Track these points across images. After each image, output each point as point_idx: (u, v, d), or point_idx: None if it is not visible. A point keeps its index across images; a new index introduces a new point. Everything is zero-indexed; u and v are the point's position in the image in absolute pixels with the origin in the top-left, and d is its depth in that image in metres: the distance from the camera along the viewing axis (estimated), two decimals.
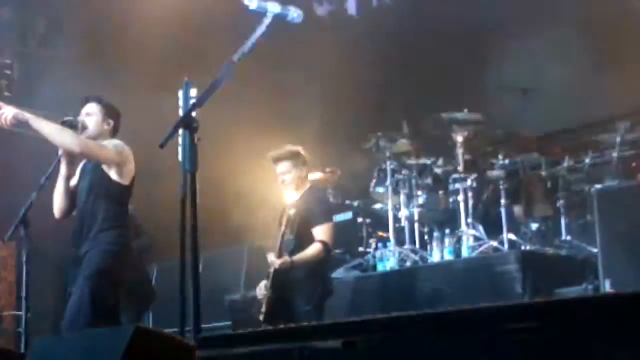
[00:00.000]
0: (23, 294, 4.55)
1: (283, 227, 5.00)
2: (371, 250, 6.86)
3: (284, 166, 5.22)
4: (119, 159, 4.55)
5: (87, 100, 4.77)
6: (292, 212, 5.01)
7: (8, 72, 8.66)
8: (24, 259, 4.55)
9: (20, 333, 4.82)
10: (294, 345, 2.62)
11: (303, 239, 5.06)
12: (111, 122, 4.74)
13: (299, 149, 5.27)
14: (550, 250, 5.81)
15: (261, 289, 5.15)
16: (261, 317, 5.09)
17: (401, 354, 2.61)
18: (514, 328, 2.35)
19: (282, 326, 2.73)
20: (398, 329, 2.60)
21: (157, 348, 2.71)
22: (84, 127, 4.63)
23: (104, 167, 4.58)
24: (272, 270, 5.03)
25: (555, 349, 2.31)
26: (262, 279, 5.20)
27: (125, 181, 4.61)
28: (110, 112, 4.77)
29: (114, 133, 4.76)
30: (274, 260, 5.00)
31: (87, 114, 4.70)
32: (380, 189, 6.78)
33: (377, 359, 2.64)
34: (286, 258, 4.98)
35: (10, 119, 4.40)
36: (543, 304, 2.32)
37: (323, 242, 5.10)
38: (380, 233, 7.00)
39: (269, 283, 5.04)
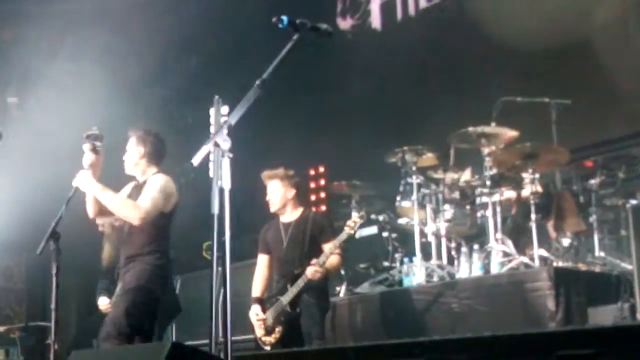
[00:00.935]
0: (52, 306, 4.54)
1: (285, 243, 5.32)
2: (397, 265, 6.78)
3: (272, 185, 5.48)
4: (166, 201, 4.78)
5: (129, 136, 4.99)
6: (300, 228, 5.29)
7: None
8: (53, 271, 4.55)
9: (49, 344, 4.81)
10: None
11: (312, 254, 5.23)
12: (142, 148, 4.89)
13: (291, 173, 5.51)
14: (583, 267, 5.70)
15: (258, 315, 5.36)
16: (271, 339, 5.25)
17: None
18: (566, 354, 2.28)
19: (318, 347, 2.67)
20: (441, 352, 2.53)
21: None
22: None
23: None
24: (300, 284, 5.15)
25: None
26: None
27: (167, 209, 4.83)
28: (143, 138, 4.92)
29: (153, 157, 4.91)
30: (311, 270, 5.11)
31: (127, 149, 4.96)
32: (406, 203, 6.70)
33: None
34: (317, 266, 5.11)
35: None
36: (598, 330, 2.24)
37: (340, 255, 5.33)
38: None
39: (292, 298, 5.16)
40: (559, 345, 2.24)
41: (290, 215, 5.50)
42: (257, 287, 5.57)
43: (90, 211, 4.90)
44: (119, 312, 4.59)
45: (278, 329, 5.23)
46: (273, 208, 5.49)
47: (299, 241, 5.31)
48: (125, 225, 4.85)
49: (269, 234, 5.55)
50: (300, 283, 5.16)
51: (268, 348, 5.30)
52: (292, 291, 5.19)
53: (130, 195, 4.91)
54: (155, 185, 4.79)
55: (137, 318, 4.59)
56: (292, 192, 5.48)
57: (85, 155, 4.72)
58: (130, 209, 4.70)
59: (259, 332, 5.36)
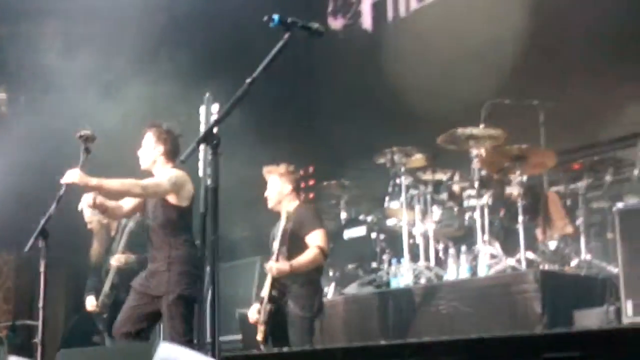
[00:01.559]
0: (40, 304, 4.54)
1: (278, 239, 5.09)
2: (385, 266, 6.79)
3: (271, 181, 5.41)
4: (174, 189, 4.83)
5: (146, 130, 5.06)
6: (283, 223, 5.11)
7: None
8: (41, 269, 4.54)
9: (36, 343, 4.80)
10: None
11: (296, 250, 5.11)
12: (161, 147, 4.96)
13: (291, 169, 5.43)
14: (569, 270, 5.74)
15: (255, 312, 5.22)
16: (259, 337, 5.13)
17: None
18: (552, 357, 2.30)
19: (308, 348, 2.67)
20: (429, 354, 2.54)
21: None
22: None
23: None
24: (269, 279, 5.08)
25: None
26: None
27: (184, 203, 4.89)
28: (162, 136, 4.98)
29: (171, 155, 4.98)
30: (271, 265, 5.05)
31: (144, 145, 5.02)
32: (395, 204, 6.72)
33: None
34: (284, 263, 5.02)
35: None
36: (584, 332, 2.26)
37: (319, 247, 5.18)
38: None
39: (267, 293, 5.08)
40: (545, 348, 2.26)
41: (286, 212, 5.35)
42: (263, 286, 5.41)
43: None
44: (178, 323, 4.70)
45: (261, 327, 5.16)
46: (269, 204, 5.43)
47: (282, 237, 5.17)
48: (151, 222, 4.95)
49: (273, 231, 5.46)
50: (269, 279, 5.11)
51: (262, 347, 5.23)
52: (265, 288, 5.15)
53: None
54: (164, 175, 4.88)
55: (191, 319, 4.76)
56: (288, 188, 5.40)
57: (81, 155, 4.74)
58: (132, 186, 4.76)
59: (259, 331, 5.24)
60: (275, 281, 5.07)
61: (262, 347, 5.20)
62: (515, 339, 2.28)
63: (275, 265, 5.03)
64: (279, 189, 5.38)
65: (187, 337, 4.65)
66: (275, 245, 5.14)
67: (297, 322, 5.07)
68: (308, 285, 5.21)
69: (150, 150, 4.98)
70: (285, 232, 5.08)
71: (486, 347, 2.37)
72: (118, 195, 4.87)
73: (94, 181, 4.64)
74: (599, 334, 2.17)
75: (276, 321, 5.09)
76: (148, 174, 5.08)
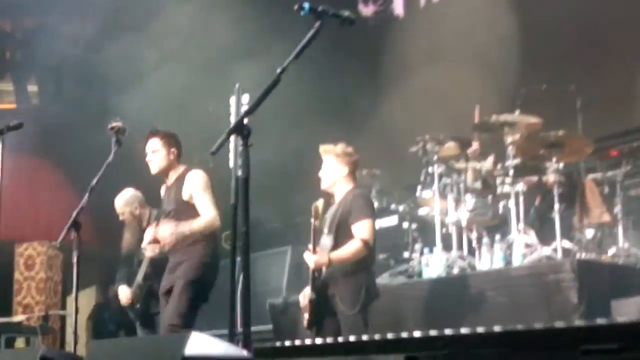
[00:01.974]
0: (73, 295, 4.58)
1: (321, 226, 4.92)
2: (417, 256, 6.71)
3: (327, 161, 5.08)
4: (213, 193, 5.03)
5: (149, 136, 5.14)
6: (332, 210, 4.93)
7: None
8: (74, 260, 4.57)
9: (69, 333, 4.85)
10: (356, 359, 2.51)
11: (343, 238, 4.88)
12: (174, 150, 5.12)
13: (349, 150, 5.09)
14: (606, 259, 5.61)
15: (304, 297, 4.99)
16: (305, 324, 4.97)
17: None
18: (590, 349, 2.21)
19: (341, 339, 2.62)
20: (464, 346, 2.47)
21: (214, 356, 2.64)
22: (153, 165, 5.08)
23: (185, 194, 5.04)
24: (311, 271, 4.88)
25: None
26: (306, 283, 5.03)
27: None
28: (171, 140, 5.13)
29: (180, 155, 5.17)
30: (309, 258, 4.83)
31: (153, 152, 5.11)
32: (427, 193, 6.63)
33: None
34: (323, 255, 4.82)
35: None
36: (623, 324, 2.17)
37: (363, 240, 4.86)
38: None
39: (310, 285, 4.90)
40: (583, 340, 2.17)
41: (339, 195, 5.09)
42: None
43: None
44: (182, 304, 4.81)
45: (305, 315, 4.98)
46: (323, 185, 5.12)
47: (332, 223, 4.96)
48: (168, 216, 5.03)
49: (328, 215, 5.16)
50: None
51: (305, 323, 5.02)
52: (310, 275, 4.88)
53: (169, 196, 5.14)
54: (200, 187, 5.00)
55: (197, 310, 4.91)
56: (344, 170, 5.03)
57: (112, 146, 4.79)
58: (205, 227, 4.95)
59: (305, 306, 5.03)
60: (317, 271, 4.85)
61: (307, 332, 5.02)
62: (552, 331, 2.19)
63: (313, 258, 4.80)
64: (334, 170, 5.04)
65: (184, 321, 4.76)
66: (329, 232, 4.94)
67: (342, 318, 4.87)
68: (353, 279, 4.90)
69: (165, 156, 5.10)
70: (335, 218, 4.90)
71: (522, 339, 2.29)
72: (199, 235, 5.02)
73: (173, 238, 4.90)
74: (638, 325, 2.08)
75: (321, 311, 4.90)
76: (157, 177, 5.19)
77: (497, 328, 2.43)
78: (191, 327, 4.70)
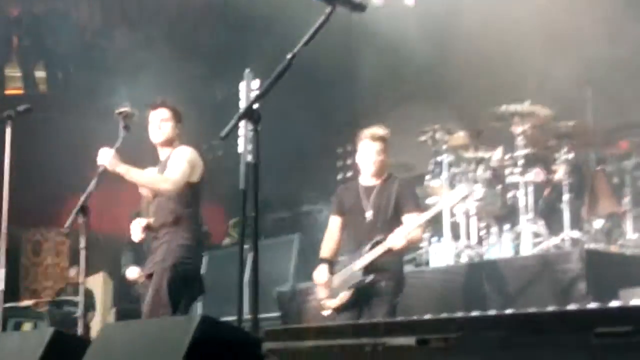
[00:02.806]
0: (80, 280, 4.57)
1: (368, 208, 4.81)
2: (425, 244, 6.71)
3: (377, 146, 4.91)
4: (192, 170, 4.78)
5: (159, 105, 4.91)
6: (384, 194, 4.79)
7: None
8: (82, 245, 4.56)
9: (77, 318, 4.84)
10: (366, 341, 2.51)
11: (394, 223, 4.78)
12: (180, 126, 4.93)
13: (388, 133, 5.00)
14: (615, 249, 5.60)
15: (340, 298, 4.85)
16: (334, 304, 4.85)
17: (477, 354, 2.48)
18: (603, 332, 2.21)
19: (351, 322, 2.63)
20: (475, 329, 2.47)
21: (223, 338, 2.64)
22: (155, 135, 4.85)
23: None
24: (377, 249, 4.71)
25: None
26: (312, 270, 5.02)
27: (195, 179, 4.81)
28: (179, 116, 4.94)
29: (180, 136, 4.95)
30: (396, 239, 4.63)
31: (162, 120, 4.88)
32: (436, 182, 6.62)
33: (451, 358, 2.51)
34: (402, 233, 4.64)
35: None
36: (637, 307, 2.16)
37: (422, 228, 4.94)
38: None
39: (364, 264, 4.72)
40: (596, 323, 2.17)
41: (375, 179, 4.95)
42: (327, 248, 5.04)
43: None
44: (162, 292, 4.60)
45: (343, 294, 4.82)
46: (371, 171, 4.92)
47: (382, 207, 4.82)
48: (155, 198, 4.87)
49: (346, 196, 5.03)
50: (379, 250, 4.73)
51: (327, 313, 4.91)
52: (367, 257, 4.74)
53: (160, 172, 4.90)
54: (182, 156, 4.79)
55: (177, 294, 4.64)
56: (384, 155, 4.95)
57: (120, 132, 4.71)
58: (159, 182, 4.74)
59: (322, 293, 4.93)
60: (386, 253, 4.72)
61: (325, 313, 4.93)
62: (566, 314, 2.18)
63: (400, 239, 4.64)
64: (383, 158, 4.92)
65: (166, 311, 4.54)
66: (377, 216, 4.83)
67: (379, 304, 4.76)
68: (400, 266, 4.95)
69: (171, 129, 4.87)
70: (390, 203, 4.81)
71: (535, 322, 2.28)
72: (148, 187, 4.90)
73: (122, 169, 4.62)
74: None
75: (359, 296, 4.80)
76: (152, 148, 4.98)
77: (509, 311, 2.42)
78: (172, 313, 4.54)
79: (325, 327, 2.71)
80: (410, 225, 4.73)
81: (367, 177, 4.99)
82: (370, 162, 4.92)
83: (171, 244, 4.70)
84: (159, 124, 4.86)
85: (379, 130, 4.97)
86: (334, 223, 5.09)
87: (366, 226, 4.85)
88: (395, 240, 4.67)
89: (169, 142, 4.89)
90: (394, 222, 4.81)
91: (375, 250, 4.74)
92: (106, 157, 4.59)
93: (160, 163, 4.93)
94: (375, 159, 4.91)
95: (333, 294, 4.88)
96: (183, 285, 4.69)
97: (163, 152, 4.90)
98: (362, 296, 4.80)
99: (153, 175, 4.82)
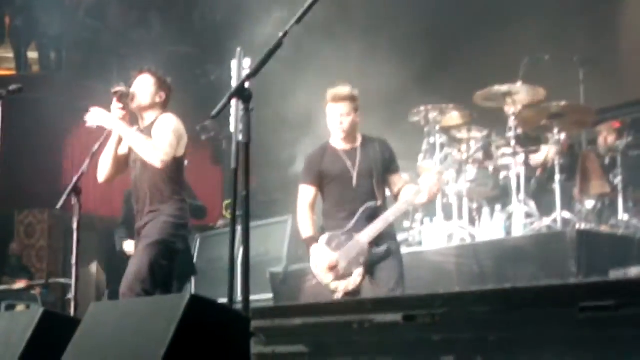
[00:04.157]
0: (73, 261, 4.54)
1: (355, 173, 4.46)
2: (417, 225, 6.71)
3: (345, 107, 4.52)
4: (178, 142, 4.56)
5: (141, 71, 4.73)
6: (368, 156, 4.50)
7: None
8: (74, 226, 4.54)
9: (69, 300, 4.82)
10: (354, 318, 2.52)
11: (382, 185, 4.56)
12: (163, 95, 4.69)
13: (357, 93, 4.60)
14: (606, 230, 5.62)
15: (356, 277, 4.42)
16: (353, 286, 4.39)
17: (463, 329, 2.50)
18: (587, 306, 2.23)
19: (338, 300, 2.63)
20: (462, 304, 2.48)
21: (212, 317, 2.65)
22: (134, 98, 4.61)
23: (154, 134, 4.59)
24: (386, 215, 4.41)
25: (632, 329, 2.18)
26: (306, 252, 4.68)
27: (180, 152, 4.61)
28: (163, 85, 4.71)
29: (164, 106, 4.71)
30: (433, 183, 4.39)
31: (141, 85, 4.67)
32: (429, 163, 6.62)
33: (438, 334, 2.53)
34: (432, 179, 4.43)
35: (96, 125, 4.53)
36: (622, 282, 2.18)
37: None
38: None
39: (370, 236, 4.37)
40: (581, 297, 2.19)
41: (353, 141, 4.59)
42: (308, 225, 4.60)
43: (101, 176, 4.69)
44: (143, 267, 4.43)
45: (358, 272, 4.38)
46: (341, 135, 4.55)
47: (369, 171, 4.49)
48: (137, 175, 4.64)
49: (324, 163, 4.60)
50: (390, 217, 4.42)
51: (340, 295, 4.36)
52: (374, 227, 4.39)
53: None
54: (168, 125, 4.57)
55: (160, 273, 4.48)
56: (354, 115, 4.56)
57: (112, 112, 4.60)
58: (153, 150, 4.47)
59: (328, 277, 4.42)
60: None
61: (337, 295, 4.40)
62: (551, 289, 2.21)
63: (436, 181, 4.41)
64: (354, 116, 4.54)
65: (144, 287, 4.37)
66: (366, 180, 4.51)
67: (388, 272, 4.42)
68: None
69: (151, 96, 4.63)
70: (377, 164, 4.51)
71: (521, 297, 2.30)
72: (135, 150, 4.57)
73: (122, 126, 4.47)
74: (635, 283, 2.09)
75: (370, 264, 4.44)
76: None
77: (494, 286, 2.43)
78: (152, 294, 4.37)
79: (312, 305, 2.73)
80: (432, 174, 4.51)
81: (339, 141, 4.60)
82: (337, 126, 4.55)
83: (158, 220, 4.53)
84: (140, 88, 4.65)
85: (343, 89, 4.58)
86: (309, 194, 4.63)
87: (354, 192, 4.52)
88: (431, 185, 4.41)
89: (149, 107, 4.64)
90: (381, 185, 4.55)
91: (384, 217, 4.40)
92: (102, 116, 4.48)
93: (139, 130, 4.65)
94: (342, 121, 4.53)
95: (345, 274, 4.42)
96: (168, 263, 4.53)
97: (147, 117, 4.66)
98: (370, 266, 4.44)
99: (148, 140, 4.50)
